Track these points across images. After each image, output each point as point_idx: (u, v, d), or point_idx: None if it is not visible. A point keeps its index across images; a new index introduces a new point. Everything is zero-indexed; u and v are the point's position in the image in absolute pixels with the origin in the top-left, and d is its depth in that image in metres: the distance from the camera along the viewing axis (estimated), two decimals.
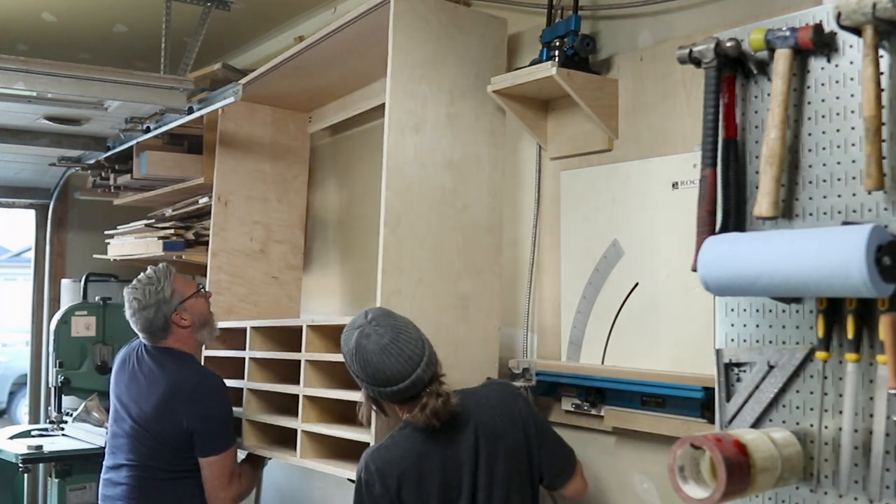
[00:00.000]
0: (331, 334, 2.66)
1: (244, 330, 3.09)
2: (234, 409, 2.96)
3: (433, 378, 2.08)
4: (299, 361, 2.73)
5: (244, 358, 3.06)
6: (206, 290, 3.05)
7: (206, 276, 3.92)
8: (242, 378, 3.06)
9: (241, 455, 2.99)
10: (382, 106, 2.56)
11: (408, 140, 2.46)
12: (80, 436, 4.05)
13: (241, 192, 3.45)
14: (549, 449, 2.18)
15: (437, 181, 2.50)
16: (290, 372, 2.92)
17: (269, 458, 2.98)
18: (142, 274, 2.90)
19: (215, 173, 3.41)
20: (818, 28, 1.56)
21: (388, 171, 2.42)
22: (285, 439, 2.88)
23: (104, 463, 2.96)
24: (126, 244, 4.18)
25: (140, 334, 2.89)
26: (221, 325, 3.20)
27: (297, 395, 2.73)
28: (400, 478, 2.06)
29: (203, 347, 3.03)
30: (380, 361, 2.05)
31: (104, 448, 3.82)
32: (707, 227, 1.66)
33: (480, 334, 2.54)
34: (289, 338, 2.96)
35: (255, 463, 3.01)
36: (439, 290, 2.47)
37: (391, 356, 2.04)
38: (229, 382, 3.09)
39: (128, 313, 2.87)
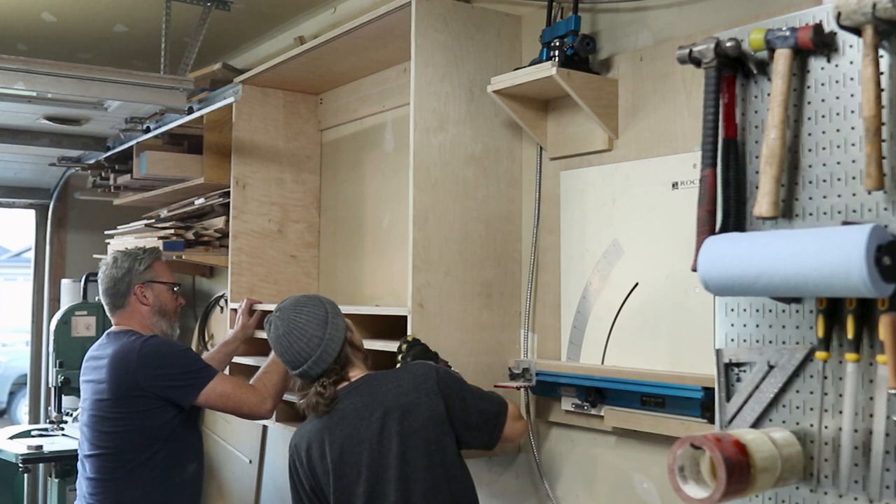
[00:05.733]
0: (360, 322, 2.69)
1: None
2: None
3: (324, 373, 2.25)
4: None
5: None
6: (179, 296, 3.03)
7: (205, 275, 3.90)
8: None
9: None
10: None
11: (432, 139, 2.57)
12: (79, 436, 4.05)
13: (258, 175, 3.52)
14: (476, 413, 2.24)
15: (460, 175, 2.61)
16: None
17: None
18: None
19: (232, 158, 3.49)
20: (818, 28, 1.56)
21: (414, 170, 2.53)
22: None
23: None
24: (126, 244, 4.18)
25: (102, 297, 2.93)
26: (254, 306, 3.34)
27: None
28: (308, 450, 2.25)
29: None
30: (275, 347, 2.32)
31: None
32: (707, 227, 1.66)
33: (502, 319, 2.67)
34: None
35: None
36: (465, 280, 2.61)
37: (283, 347, 2.29)
38: (259, 361, 3.16)
39: (100, 270, 2.94)
